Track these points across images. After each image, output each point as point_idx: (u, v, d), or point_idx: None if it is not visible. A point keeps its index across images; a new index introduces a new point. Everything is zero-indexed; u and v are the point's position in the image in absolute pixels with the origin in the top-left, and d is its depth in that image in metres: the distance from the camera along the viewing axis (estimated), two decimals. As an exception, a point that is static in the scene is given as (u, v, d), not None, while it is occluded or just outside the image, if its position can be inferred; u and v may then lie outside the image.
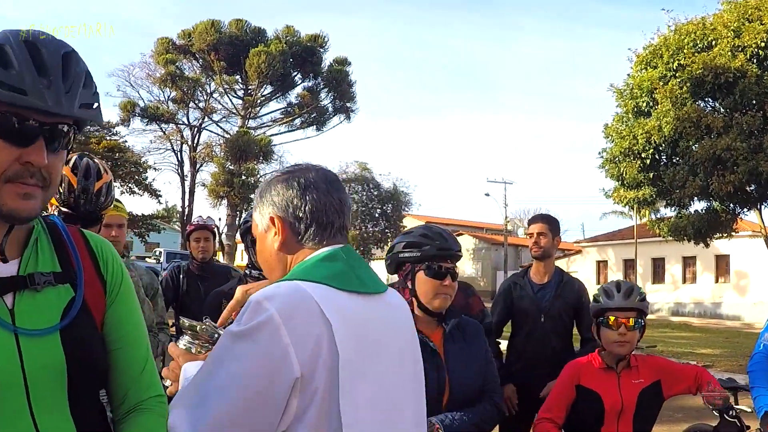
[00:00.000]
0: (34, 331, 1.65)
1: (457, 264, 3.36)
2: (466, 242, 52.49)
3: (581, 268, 45.29)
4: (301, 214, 2.04)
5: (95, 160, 3.65)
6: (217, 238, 6.68)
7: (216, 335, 2.15)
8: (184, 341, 2.16)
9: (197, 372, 1.91)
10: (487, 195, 62.97)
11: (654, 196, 24.03)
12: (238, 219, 38.65)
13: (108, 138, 36.50)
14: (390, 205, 44.62)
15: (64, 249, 1.80)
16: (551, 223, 5.46)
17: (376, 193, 44.45)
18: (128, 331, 1.87)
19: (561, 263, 42.31)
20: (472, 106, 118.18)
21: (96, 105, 1.71)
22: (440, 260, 3.25)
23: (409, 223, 44.49)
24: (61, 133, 1.65)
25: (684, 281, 43.56)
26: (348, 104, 44.16)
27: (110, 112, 41.54)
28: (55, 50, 1.63)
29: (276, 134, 43.77)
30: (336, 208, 2.06)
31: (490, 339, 4.61)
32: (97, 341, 1.79)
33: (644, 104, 23.36)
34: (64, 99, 1.61)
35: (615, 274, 44.78)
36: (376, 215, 44.45)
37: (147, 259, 35.42)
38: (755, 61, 21.79)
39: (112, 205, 4.31)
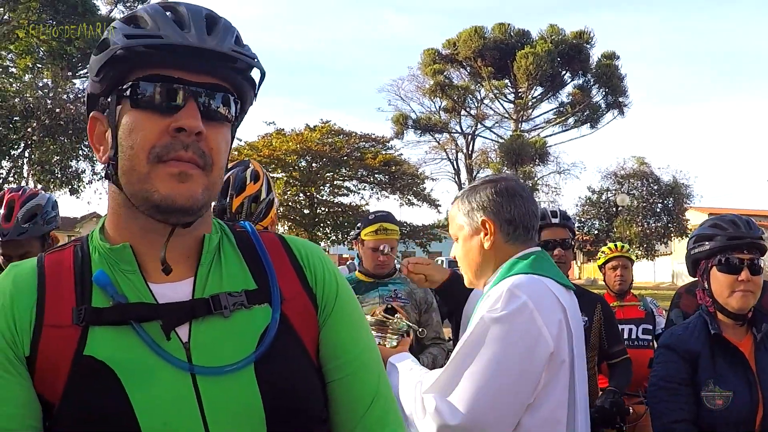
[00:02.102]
0: (218, 369, 1.29)
1: (761, 255, 2.83)
2: (758, 233, 48.74)
3: None
4: (510, 218, 2.33)
5: (250, 166, 3.06)
6: None
7: (404, 326, 2.33)
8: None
9: (450, 360, 2.11)
10: (776, 180, 58.18)
11: None
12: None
13: (383, 152, 37.60)
14: (671, 199, 42.44)
15: (256, 260, 1.45)
16: None
17: (655, 187, 42.43)
18: (352, 355, 1.47)
19: None
20: (753, 90, 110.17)
21: (255, 59, 1.40)
22: (734, 251, 2.78)
23: (691, 216, 42.15)
24: (217, 97, 1.34)
25: None
26: (620, 99, 42.75)
27: (384, 127, 43.14)
28: (197, 9, 1.36)
29: (550, 135, 43.51)
30: (535, 214, 2.38)
31: None
32: (307, 371, 1.41)
33: None
34: (208, 37, 1.32)
35: None
36: (658, 210, 42.49)
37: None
38: None
39: (379, 228, 4.32)
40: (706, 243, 2.85)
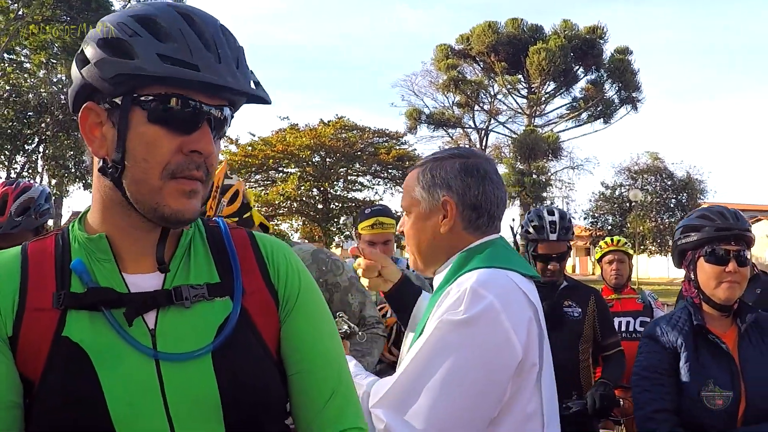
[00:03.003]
0: (178, 355, 1.36)
1: (748, 247, 2.83)
2: (766, 228, 48.70)
3: None
4: (476, 203, 2.06)
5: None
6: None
7: (344, 328, 2.18)
8: None
9: (403, 369, 1.88)
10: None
11: None
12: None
13: (397, 148, 37.57)
14: (685, 194, 42.35)
15: (225, 255, 1.51)
16: None
17: (669, 182, 42.36)
18: (311, 351, 1.52)
19: None
20: (766, 84, 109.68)
21: (267, 97, 1.45)
22: (721, 242, 2.77)
23: (706, 212, 41.73)
24: (225, 117, 1.42)
25: None
26: (633, 94, 42.64)
27: (397, 122, 43.13)
28: (212, 22, 1.40)
29: (563, 130, 43.43)
30: (503, 202, 2.11)
31: None
32: (265, 364, 1.45)
33: None
34: (238, 74, 1.37)
35: None
36: (671, 205, 42.40)
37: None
38: None
39: (375, 222, 4.30)
40: (693, 234, 2.85)
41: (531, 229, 4.49)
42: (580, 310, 4.43)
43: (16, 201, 3.26)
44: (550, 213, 4.47)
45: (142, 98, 1.32)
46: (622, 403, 4.47)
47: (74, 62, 1.39)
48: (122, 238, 1.42)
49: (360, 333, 2.82)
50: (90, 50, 1.35)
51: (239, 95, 1.40)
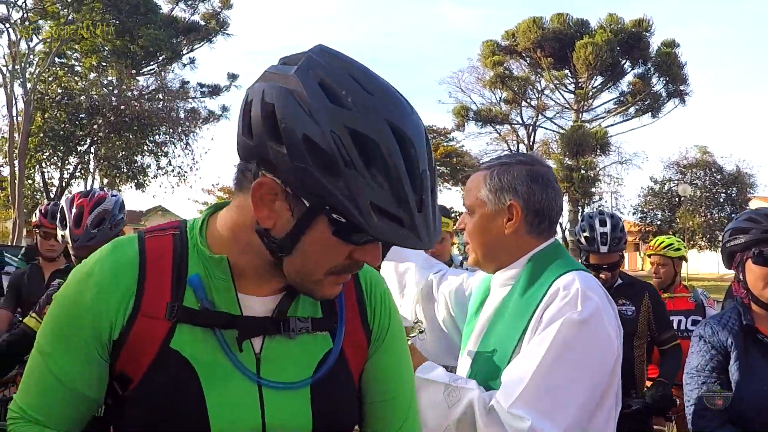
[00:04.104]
0: (280, 384, 1.43)
1: None
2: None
3: None
4: (540, 209, 2.18)
5: None
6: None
7: (414, 335, 2.19)
8: None
9: (537, 366, 1.94)
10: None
11: None
12: (579, 213, 38.19)
13: (444, 144, 37.57)
14: (734, 189, 41.91)
15: None
16: None
17: (718, 177, 41.96)
18: (389, 384, 1.62)
19: None
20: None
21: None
22: None
23: (755, 206, 41.12)
24: None
25: None
26: (681, 87, 42.16)
27: (444, 119, 43.01)
28: (422, 145, 1.29)
29: (611, 125, 43.01)
30: (561, 209, 2.26)
31: None
32: (351, 398, 1.55)
33: None
34: (431, 227, 1.31)
35: None
36: (721, 200, 41.99)
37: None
38: None
39: None
40: (741, 236, 2.88)
41: (582, 240, 4.58)
42: (633, 308, 4.52)
43: (92, 213, 3.37)
44: (602, 224, 4.53)
45: (334, 216, 1.26)
46: (678, 402, 4.50)
47: (260, 117, 1.28)
48: (248, 266, 1.44)
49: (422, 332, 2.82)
50: (290, 138, 1.24)
51: None
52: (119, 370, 1.42)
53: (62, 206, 3.45)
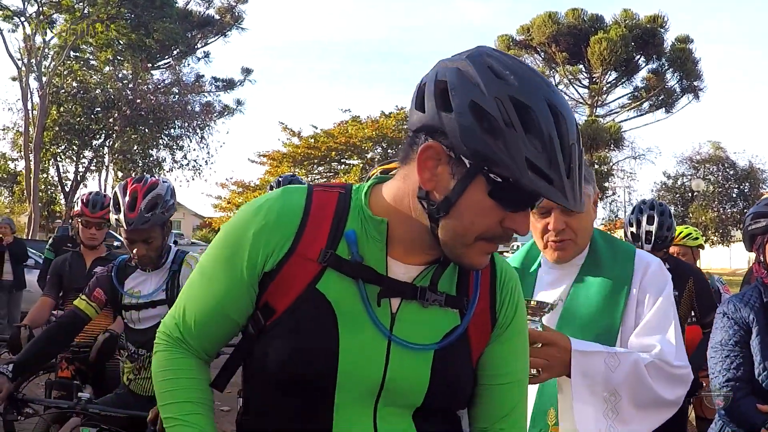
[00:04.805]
0: (408, 344, 1.57)
1: None
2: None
3: None
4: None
5: None
6: None
7: (547, 306, 2.18)
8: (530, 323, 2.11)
9: (669, 332, 2.28)
10: None
11: None
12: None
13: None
14: (747, 184, 41.81)
15: (467, 275, 1.67)
16: None
17: (731, 172, 41.91)
18: (505, 371, 1.73)
19: None
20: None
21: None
22: None
23: (769, 202, 41.01)
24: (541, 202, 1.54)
25: None
26: (695, 83, 42.03)
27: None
28: (573, 121, 1.44)
29: (625, 120, 42.88)
30: None
31: None
32: (467, 373, 1.68)
33: None
34: (576, 192, 1.45)
35: None
36: (734, 195, 41.91)
37: (504, 253, 36.05)
38: None
39: None
40: (763, 220, 3.09)
41: (629, 234, 4.72)
42: (677, 292, 4.53)
43: (146, 198, 3.48)
44: (650, 221, 4.65)
45: (491, 175, 1.40)
46: (704, 385, 4.62)
47: (432, 93, 1.45)
48: (404, 233, 1.57)
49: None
50: (458, 103, 1.40)
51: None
52: (265, 300, 1.57)
53: (116, 192, 3.56)
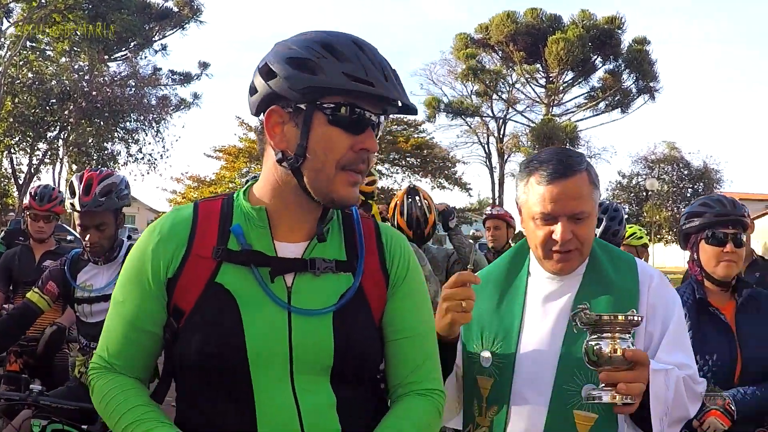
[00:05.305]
0: (306, 311, 1.71)
1: (744, 231, 3.26)
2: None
3: None
4: None
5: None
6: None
7: (636, 318, 1.90)
8: (595, 343, 1.89)
9: (684, 349, 2.16)
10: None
11: None
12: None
13: (416, 136, 37.66)
14: (701, 184, 42.54)
15: (353, 239, 1.84)
16: None
17: (686, 172, 42.63)
18: (410, 325, 1.85)
19: None
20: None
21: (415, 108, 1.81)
22: (720, 227, 3.20)
23: (722, 202, 41.57)
24: (381, 123, 1.77)
25: None
26: (651, 84, 42.67)
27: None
28: (374, 48, 1.74)
29: (581, 119, 43.35)
30: None
31: None
32: (370, 331, 1.80)
33: None
34: (399, 89, 1.71)
35: None
36: (688, 195, 42.54)
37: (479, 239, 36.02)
38: None
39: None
40: (696, 219, 3.26)
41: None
42: None
43: (100, 184, 3.58)
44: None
45: (324, 105, 1.65)
46: None
47: (258, 75, 1.72)
48: (282, 213, 1.77)
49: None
50: (278, 66, 1.67)
51: (393, 105, 1.73)
52: (174, 304, 1.72)
53: (72, 180, 3.65)
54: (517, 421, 2.11)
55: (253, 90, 1.74)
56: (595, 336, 1.90)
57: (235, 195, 1.84)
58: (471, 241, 5.29)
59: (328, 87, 1.63)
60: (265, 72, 1.70)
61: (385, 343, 1.83)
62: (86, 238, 3.62)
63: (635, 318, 1.89)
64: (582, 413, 2.04)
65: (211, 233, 1.75)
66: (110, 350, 1.79)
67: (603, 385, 1.91)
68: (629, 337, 1.91)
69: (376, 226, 1.90)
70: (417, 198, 4.88)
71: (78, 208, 3.54)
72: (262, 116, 1.72)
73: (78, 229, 3.65)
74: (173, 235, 1.75)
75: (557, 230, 2.12)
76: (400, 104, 1.73)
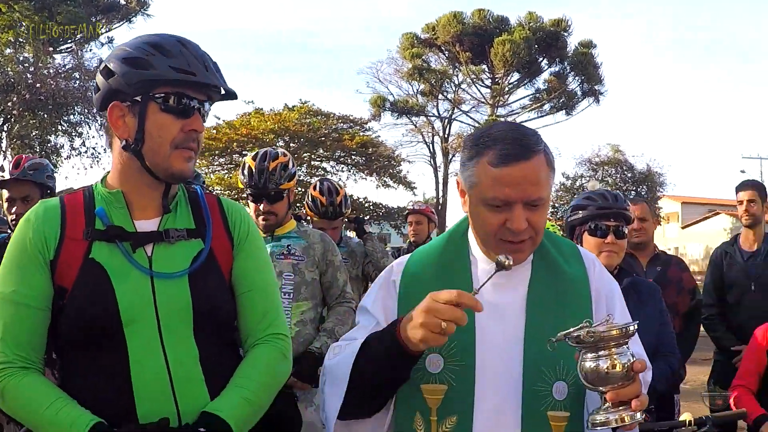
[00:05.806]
0: (165, 274, 2.04)
1: (627, 223, 3.44)
2: (724, 222, 49.60)
3: None
4: None
5: (277, 149, 4.39)
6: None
7: (632, 326, 1.76)
8: (591, 361, 1.74)
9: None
10: (743, 172, 58.39)
11: None
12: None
13: (361, 134, 37.66)
14: (644, 187, 42.91)
15: (200, 211, 2.19)
16: (760, 190, 5.42)
17: (629, 175, 42.79)
18: (254, 279, 2.21)
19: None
20: (726, 79, 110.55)
21: (232, 91, 2.19)
22: (602, 219, 3.37)
23: (664, 204, 42.58)
24: (206, 105, 2.11)
25: None
26: (596, 87, 42.99)
27: (362, 109, 42.83)
28: (196, 44, 2.10)
29: (526, 121, 43.25)
30: None
31: (698, 317, 5.02)
32: (222, 287, 2.14)
33: None
34: (219, 77, 2.08)
35: None
36: (631, 197, 42.76)
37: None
38: None
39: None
40: (580, 212, 3.45)
41: None
42: None
43: (29, 162, 4.07)
44: None
45: (156, 96, 2.00)
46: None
47: (99, 74, 2.07)
48: (134, 194, 2.10)
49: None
50: (115, 65, 2.03)
51: (217, 91, 2.10)
52: (57, 284, 2.02)
53: (2, 165, 4.13)
54: None
55: (96, 88, 2.09)
56: (592, 354, 1.74)
57: (93, 185, 2.16)
58: (383, 245, 5.68)
59: (157, 79, 1.98)
60: (105, 72, 2.05)
61: (236, 298, 2.18)
62: (12, 210, 4.01)
63: (628, 328, 1.74)
64: (556, 414, 1.89)
65: (80, 218, 2.06)
66: (7, 342, 1.99)
67: (608, 405, 1.74)
68: (629, 349, 1.77)
69: (218, 200, 2.26)
70: (327, 180, 5.59)
71: (7, 176, 3.98)
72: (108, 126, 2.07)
73: (5, 205, 4.07)
74: (47, 220, 2.05)
75: (512, 219, 1.90)
76: (223, 92, 2.12)
